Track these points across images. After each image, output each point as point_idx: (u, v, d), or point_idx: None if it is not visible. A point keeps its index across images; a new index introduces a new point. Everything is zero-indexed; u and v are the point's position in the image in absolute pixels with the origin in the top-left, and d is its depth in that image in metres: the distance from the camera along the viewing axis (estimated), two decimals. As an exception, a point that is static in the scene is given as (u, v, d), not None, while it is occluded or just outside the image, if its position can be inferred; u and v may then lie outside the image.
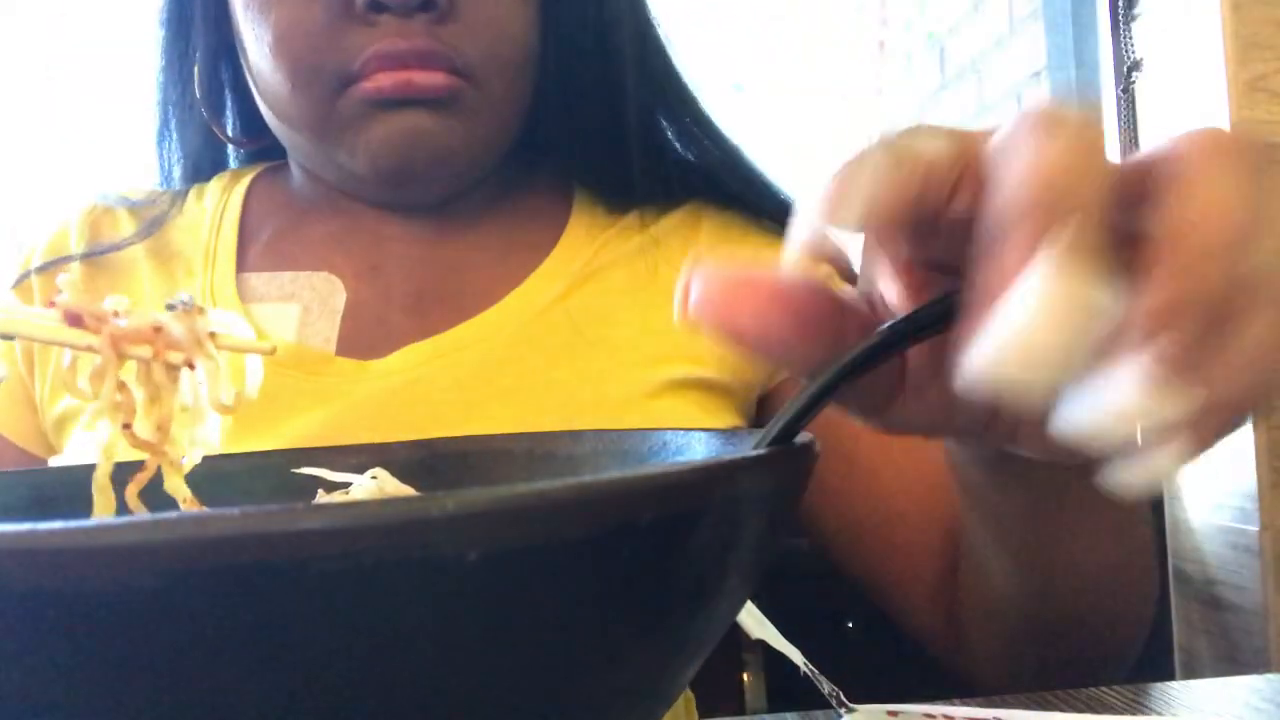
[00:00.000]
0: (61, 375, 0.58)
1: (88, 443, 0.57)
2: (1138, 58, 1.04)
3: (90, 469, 0.34)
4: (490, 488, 0.20)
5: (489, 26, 0.56)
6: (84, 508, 0.37)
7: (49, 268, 0.63)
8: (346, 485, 0.39)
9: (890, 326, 0.29)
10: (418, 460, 0.42)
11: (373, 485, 0.38)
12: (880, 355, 0.29)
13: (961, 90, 1.97)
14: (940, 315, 0.27)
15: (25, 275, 0.64)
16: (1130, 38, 1.04)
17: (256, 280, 0.61)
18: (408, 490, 0.38)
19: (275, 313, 0.60)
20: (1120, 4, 1.04)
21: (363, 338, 0.59)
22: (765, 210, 0.65)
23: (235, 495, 0.40)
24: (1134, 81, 1.04)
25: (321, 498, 0.39)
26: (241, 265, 0.62)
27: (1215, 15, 0.94)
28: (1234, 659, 0.98)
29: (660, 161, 0.64)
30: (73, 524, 0.18)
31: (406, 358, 0.57)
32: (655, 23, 0.65)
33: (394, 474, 0.40)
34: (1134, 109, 1.06)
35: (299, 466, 0.41)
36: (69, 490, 0.38)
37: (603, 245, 0.63)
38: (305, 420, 0.55)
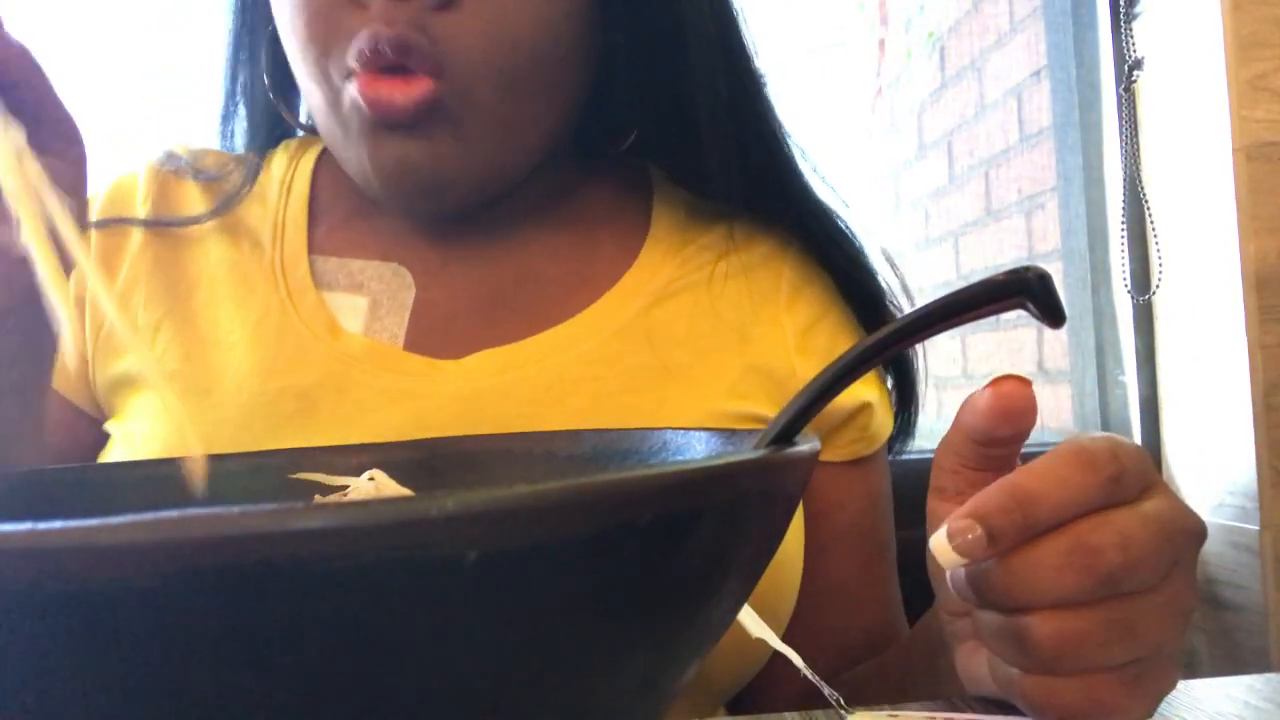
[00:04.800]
0: (113, 337, 0.59)
1: (149, 408, 0.56)
2: (1138, 57, 1.03)
3: (90, 469, 0.34)
4: (490, 488, 0.20)
5: (490, 23, 0.51)
6: (84, 508, 0.37)
7: (110, 224, 0.61)
8: (344, 488, 0.39)
9: (874, 339, 0.29)
10: (418, 460, 0.42)
11: (370, 487, 0.38)
12: (864, 363, 0.29)
13: (961, 90, 1.97)
14: (906, 331, 0.29)
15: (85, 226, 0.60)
16: (1130, 37, 1.04)
17: (325, 265, 0.60)
18: (405, 492, 0.38)
19: (345, 303, 0.59)
20: (1120, 3, 1.04)
21: (432, 336, 0.58)
22: (840, 253, 0.63)
23: (235, 495, 0.40)
24: (1134, 81, 1.04)
25: (319, 501, 0.39)
26: (310, 243, 0.61)
27: (1215, 14, 0.94)
28: (1234, 659, 0.98)
29: (740, 159, 0.60)
30: (73, 524, 0.18)
31: (482, 363, 0.56)
32: (738, 16, 0.61)
33: (394, 474, 0.40)
34: (1134, 108, 1.06)
35: (299, 466, 0.41)
36: (69, 490, 0.38)
37: (686, 260, 0.61)
38: (380, 418, 0.54)
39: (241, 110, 0.66)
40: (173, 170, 0.64)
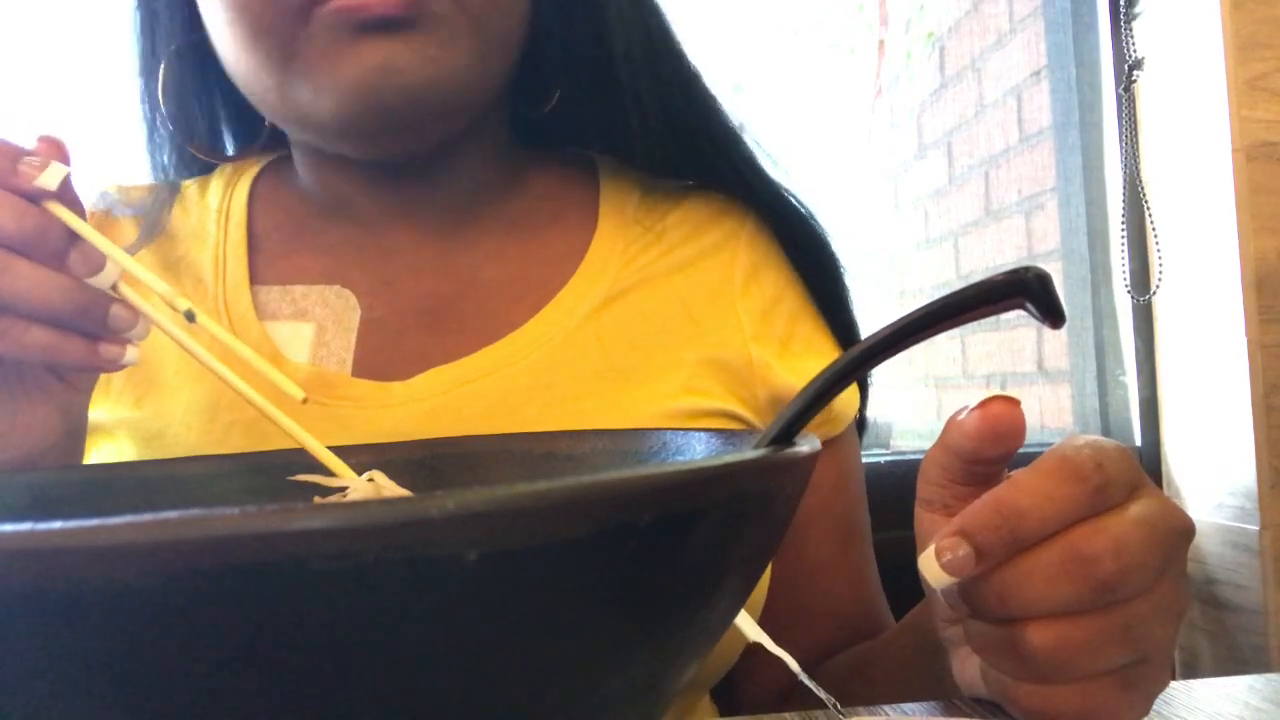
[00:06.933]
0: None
1: (104, 453, 0.56)
2: (1138, 57, 1.04)
3: (90, 468, 0.34)
4: (490, 488, 0.20)
5: None
6: (84, 508, 0.37)
7: None
8: (344, 489, 0.39)
9: (874, 340, 0.29)
10: (418, 460, 0.42)
11: (369, 488, 0.38)
12: (864, 363, 0.30)
13: (961, 90, 1.97)
14: (906, 331, 0.29)
15: None
16: (1130, 37, 1.04)
17: (268, 295, 0.59)
18: (404, 492, 0.38)
19: (290, 332, 0.58)
20: (1120, 3, 1.04)
21: (380, 357, 0.57)
22: (792, 227, 0.63)
23: (235, 495, 0.40)
24: (1134, 81, 1.04)
25: (319, 501, 0.39)
26: (252, 274, 0.60)
27: (1215, 14, 0.94)
28: (1234, 659, 0.98)
29: (663, 117, 0.60)
30: (73, 524, 0.18)
31: (430, 382, 0.55)
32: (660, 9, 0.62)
33: (394, 474, 0.40)
34: (1134, 108, 1.06)
35: (298, 467, 0.41)
36: (69, 490, 0.38)
37: (634, 257, 0.61)
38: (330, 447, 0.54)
39: (165, 136, 0.65)
40: (105, 210, 0.64)
